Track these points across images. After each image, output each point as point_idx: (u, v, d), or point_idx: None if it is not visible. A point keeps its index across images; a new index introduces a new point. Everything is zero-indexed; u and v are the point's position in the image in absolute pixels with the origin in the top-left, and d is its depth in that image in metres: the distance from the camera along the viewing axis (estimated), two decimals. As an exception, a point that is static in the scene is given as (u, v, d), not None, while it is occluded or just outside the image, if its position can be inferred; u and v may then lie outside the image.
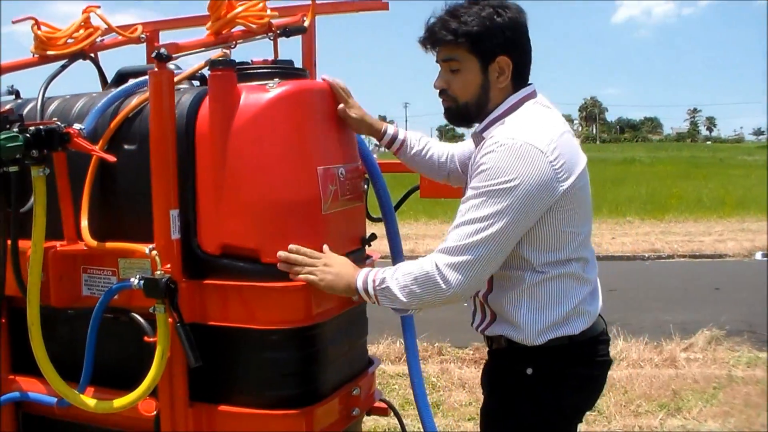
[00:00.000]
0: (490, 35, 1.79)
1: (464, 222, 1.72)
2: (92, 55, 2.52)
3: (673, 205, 17.13)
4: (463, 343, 5.96)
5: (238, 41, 2.15)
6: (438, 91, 1.93)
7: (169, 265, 1.87)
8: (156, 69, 1.85)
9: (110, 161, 1.88)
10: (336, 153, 2.08)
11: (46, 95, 2.20)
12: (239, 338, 1.93)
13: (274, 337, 1.92)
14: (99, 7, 2.51)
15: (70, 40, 2.40)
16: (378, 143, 2.32)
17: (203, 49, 2.07)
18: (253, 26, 2.18)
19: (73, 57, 2.38)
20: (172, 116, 1.88)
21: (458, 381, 5.23)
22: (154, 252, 1.82)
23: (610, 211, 16.13)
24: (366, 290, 1.84)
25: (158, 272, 1.82)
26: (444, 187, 2.51)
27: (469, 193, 1.75)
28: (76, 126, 1.86)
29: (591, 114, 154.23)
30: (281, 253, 1.85)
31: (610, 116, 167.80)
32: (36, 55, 2.37)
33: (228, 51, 2.29)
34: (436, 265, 1.73)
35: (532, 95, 1.89)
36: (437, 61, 1.90)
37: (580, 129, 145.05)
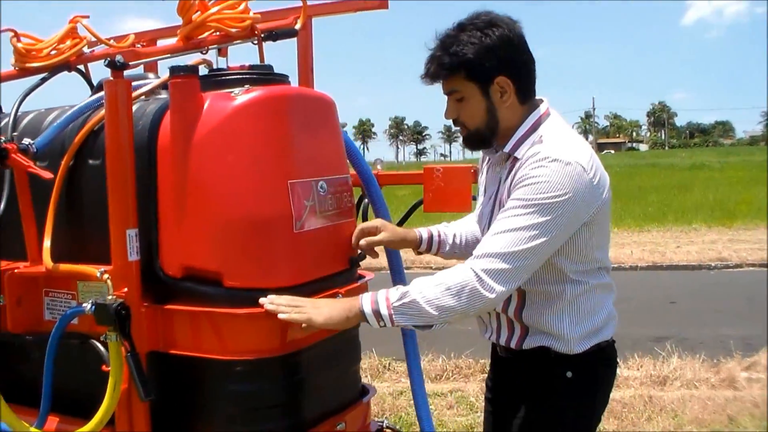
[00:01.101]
0: (482, 60, 1.81)
1: (511, 229, 1.72)
2: (81, 66, 2.41)
3: (742, 211, 16.27)
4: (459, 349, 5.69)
5: (212, 47, 1.99)
6: (452, 122, 1.96)
7: (126, 289, 1.73)
8: (111, 78, 1.71)
9: (44, 178, 1.76)
10: (315, 165, 1.90)
11: (23, 108, 2.11)
12: (203, 369, 1.77)
13: (238, 368, 1.75)
14: (87, 17, 2.42)
15: (53, 52, 2.30)
16: (416, 252, 2.26)
17: (168, 55, 1.92)
18: (232, 30, 2.01)
19: (55, 69, 2.27)
20: (129, 128, 1.75)
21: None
22: (106, 275, 1.68)
23: (676, 218, 15.48)
24: (377, 311, 1.74)
25: (110, 297, 1.68)
26: (448, 201, 2.33)
27: (515, 203, 1.75)
28: (26, 141, 1.74)
29: (659, 119, 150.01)
30: (262, 300, 1.72)
31: (680, 121, 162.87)
32: (17, 68, 2.28)
33: (207, 57, 2.16)
34: (476, 273, 1.70)
35: (548, 112, 1.92)
36: (444, 93, 1.93)
37: (648, 135, 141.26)
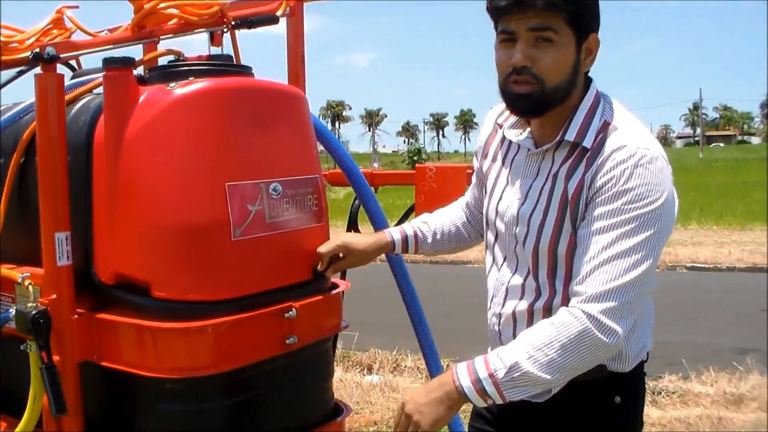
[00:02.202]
0: (590, 10, 1.52)
1: (612, 257, 1.43)
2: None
3: None
4: (464, 355, 5.32)
5: (166, 36, 1.85)
6: (509, 69, 1.53)
7: (54, 296, 1.62)
8: (40, 71, 1.60)
9: None
10: (267, 165, 1.73)
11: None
12: (134, 385, 1.65)
13: (169, 386, 1.61)
14: (77, 6, 2.34)
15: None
16: (394, 254, 2.02)
17: (111, 46, 1.79)
18: (194, 18, 1.86)
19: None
20: (61, 125, 1.63)
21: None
22: (27, 282, 1.57)
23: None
24: (482, 390, 1.41)
25: (30, 304, 1.57)
26: (441, 204, 2.09)
27: (607, 216, 1.45)
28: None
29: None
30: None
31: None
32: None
33: (181, 51, 2.02)
34: (590, 317, 1.41)
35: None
36: (512, 30, 1.50)
37: (762, 126, 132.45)
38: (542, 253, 1.57)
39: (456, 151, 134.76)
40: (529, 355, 1.39)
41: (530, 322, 1.59)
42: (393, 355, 5.70)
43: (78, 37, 2.13)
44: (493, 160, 1.76)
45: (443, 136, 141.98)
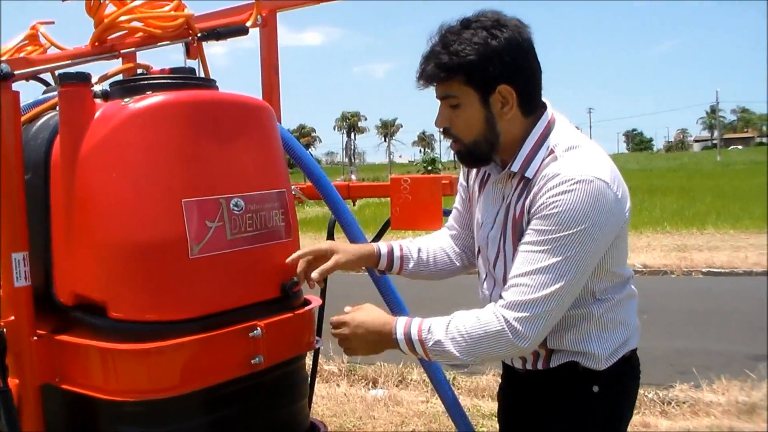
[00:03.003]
0: (486, 64, 1.60)
1: (533, 272, 1.58)
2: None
3: None
4: (473, 367, 5.26)
5: (127, 50, 1.82)
6: (442, 131, 1.73)
7: (12, 317, 1.58)
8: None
9: None
10: (228, 180, 1.69)
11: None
12: (93, 408, 1.61)
13: (128, 409, 1.57)
14: (52, 22, 2.33)
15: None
16: (377, 270, 1.98)
17: (68, 61, 1.76)
18: (158, 31, 1.83)
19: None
20: (17, 143, 1.61)
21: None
22: (-20, 303, 1.54)
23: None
24: (412, 347, 1.66)
25: (-14, 327, 1.54)
26: (416, 217, 2.04)
27: (534, 236, 1.59)
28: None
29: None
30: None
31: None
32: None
33: (148, 65, 1.99)
34: (507, 321, 1.58)
35: (553, 119, 1.70)
36: (437, 98, 1.70)
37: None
38: (498, 273, 1.74)
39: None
40: (452, 337, 1.60)
41: None
42: (399, 368, 5.63)
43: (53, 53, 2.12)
44: (476, 182, 1.87)
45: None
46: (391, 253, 1.93)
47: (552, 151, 1.63)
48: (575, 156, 1.62)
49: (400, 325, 1.66)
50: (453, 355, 1.61)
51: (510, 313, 1.58)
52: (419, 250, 1.96)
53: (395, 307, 2.17)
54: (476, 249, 1.85)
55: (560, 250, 1.55)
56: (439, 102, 1.69)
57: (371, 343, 1.69)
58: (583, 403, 1.75)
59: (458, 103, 1.64)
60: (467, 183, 1.92)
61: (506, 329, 1.57)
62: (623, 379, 1.79)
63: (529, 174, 1.64)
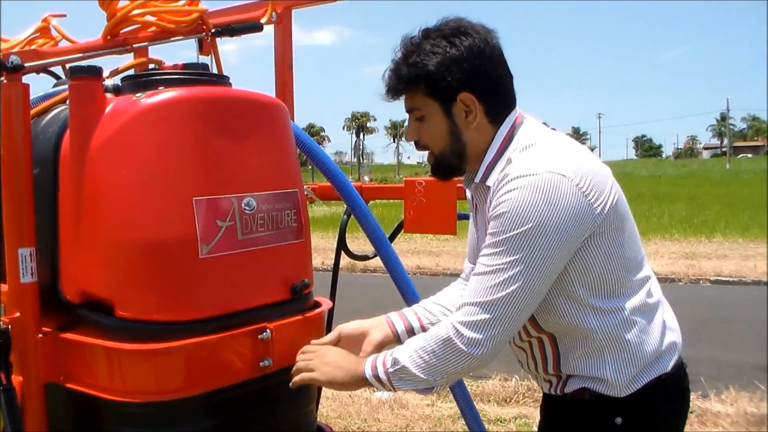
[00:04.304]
0: (445, 73, 1.55)
1: (482, 274, 1.50)
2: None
3: None
4: (479, 371, 5.17)
5: (140, 44, 1.79)
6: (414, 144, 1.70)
7: (17, 314, 1.56)
8: (5, 81, 1.54)
9: None
10: (240, 179, 1.66)
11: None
12: (99, 408, 1.58)
13: (134, 410, 1.54)
14: (64, 15, 2.30)
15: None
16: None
17: (79, 54, 1.73)
18: (171, 26, 1.80)
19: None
20: (26, 136, 1.58)
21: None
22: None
23: None
24: (377, 377, 1.55)
25: (-8, 323, 1.51)
26: (430, 220, 2.01)
27: (488, 240, 1.51)
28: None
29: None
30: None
31: None
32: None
33: (161, 60, 1.96)
34: (455, 329, 1.49)
35: (517, 123, 1.62)
36: (405, 111, 1.67)
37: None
38: None
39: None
40: (410, 356, 1.52)
41: (532, 350, 1.66)
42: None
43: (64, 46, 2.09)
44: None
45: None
46: (410, 332, 1.77)
47: (510, 160, 1.55)
48: (528, 154, 1.54)
49: (369, 361, 1.57)
50: (413, 375, 1.52)
51: (456, 316, 1.51)
52: (444, 312, 1.81)
53: (409, 296, 2.12)
54: None
55: (511, 251, 1.45)
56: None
57: (344, 373, 1.57)
58: None
59: (422, 115, 1.60)
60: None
61: (452, 336, 1.49)
62: (656, 407, 1.60)
63: (490, 182, 1.57)
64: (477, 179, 1.62)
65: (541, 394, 1.81)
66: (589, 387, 1.57)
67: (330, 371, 1.57)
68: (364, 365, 1.56)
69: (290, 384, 1.58)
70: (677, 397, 1.65)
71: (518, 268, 1.45)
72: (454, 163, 1.64)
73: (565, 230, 1.45)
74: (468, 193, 1.76)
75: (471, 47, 1.54)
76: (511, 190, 1.46)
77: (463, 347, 1.47)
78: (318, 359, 1.59)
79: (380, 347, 1.73)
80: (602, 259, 1.52)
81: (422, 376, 1.51)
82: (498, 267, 1.46)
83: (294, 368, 1.60)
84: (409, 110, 1.63)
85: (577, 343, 1.57)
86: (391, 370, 1.53)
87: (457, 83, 1.54)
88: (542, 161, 1.48)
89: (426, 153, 1.65)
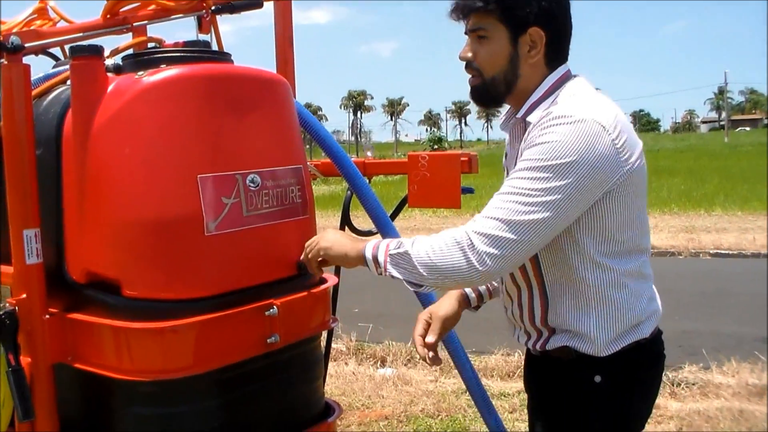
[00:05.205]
0: (524, 3, 1.60)
1: (515, 193, 1.50)
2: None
3: None
4: (482, 347, 5.24)
5: (139, 23, 1.77)
6: (464, 65, 1.70)
7: (24, 295, 1.56)
8: (5, 62, 1.53)
9: None
10: (244, 155, 1.65)
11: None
12: (108, 387, 1.58)
13: (144, 389, 1.55)
14: (58, -4, 2.27)
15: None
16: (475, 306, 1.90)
17: (79, 34, 1.72)
18: (171, 3, 1.78)
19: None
20: (28, 117, 1.57)
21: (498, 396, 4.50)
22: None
23: None
24: (375, 257, 1.58)
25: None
26: (434, 194, 2.00)
27: (522, 165, 1.52)
28: None
29: None
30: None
31: None
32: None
33: (161, 38, 1.95)
34: (469, 238, 1.49)
35: (569, 74, 1.68)
36: (466, 32, 1.69)
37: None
38: None
39: (479, 140, 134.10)
40: (416, 247, 1.53)
41: (520, 297, 1.69)
42: (407, 347, 5.62)
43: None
44: (505, 156, 1.83)
45: (465, 124, 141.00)
46: (479, 294, 1.87)
47: (557, 100, 1.61)
48: (574, 100, 1.59)
49: (370, 244, 1.61)
50: (410, 262, 1.53)
51: (476, 227, 1.50)
52: None
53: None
54: None
55: (550, 179, 1.47)
56: (467, 37, 1.68)
57: (345, 247, 1.64)
58: (581, 395, 1.65)
59: (487, 35, 1.64)
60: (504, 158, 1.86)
61: (464, 245, 1.49)
62: (634, 369, 1.65)
63: (532, 119, 1.60)
64: (519, 114, 1.66)
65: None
66: (571, 345, 1.62)
67: (330, 240, 1.65)
68: (366, 244, 1.61)
69: (305, 266, 1.69)
70: (653, 362, 1.70)
71: (555, 197, 1.47)
72: (501, 90, 1.66)
73: (599, 173, 1.49)
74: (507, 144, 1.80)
75: None
76: (555, 125, 1.50)
77: (472, 258, 1.48)
78: (321, 239, 1.67)
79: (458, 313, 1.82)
80: (615, 217, 1.57)
81: (419, 269, 1.52)
82: (533, 190, 1.47)
83: (302, 255, 1.70)
84: (471, 30, 1.66)
85: (567, 294, 1.61)
86: (392, 251, 1.55)
87: (532, 16, 1.59)
88: (587, 108, 1.53)
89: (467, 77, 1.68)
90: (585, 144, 1.48)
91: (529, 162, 1.51)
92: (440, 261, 1.50)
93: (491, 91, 1.68)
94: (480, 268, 1.47)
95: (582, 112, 1.52)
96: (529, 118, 1.62)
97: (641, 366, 1.67)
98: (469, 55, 1.67)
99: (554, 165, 1.47)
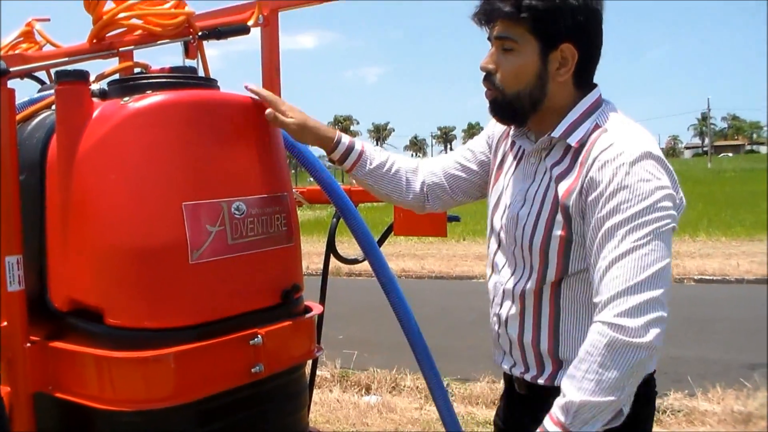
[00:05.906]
0: (559, 16, 1.48)
1: (619, 258, 1.38)
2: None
3: None
4: (466, 374, 5.24)
5: (126, 48, 1.77)
6: (483, 77, 1.59)
7: (5, 323, 1.53)
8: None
9: None
10: (229, 183, 1.64)
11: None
12: (90, 417, 1.55)
13: (126, 419, 1.52)
14: (48, 19, 2.27)
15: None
16: (329, 157, 1.81)
17: (64, 59, 1.71)
18: (157, 29, 1.78)
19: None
20: (12, 141, 1.55)
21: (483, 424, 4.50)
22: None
23: None
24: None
25: (-22, 333, 1.49)
26: (420, 222, 1.99)
27: (615, 220, 1.40)
28: None
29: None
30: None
31: None
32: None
33: (147, 64, 1.94)
34: (612, 326, 1.36)
35: (601, 98, 1.59)
36: (489, 38, 1.58)
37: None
38: (535, 254, 1.55)
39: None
40: (577, 387, 1.37)
41: (522, 322, 1.59)
42: (392, 374, 5.58)
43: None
44: (501, 162, 1.74)
45: (451, 149, 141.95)
46: (351, 147, 1.78)
47: (598, 126, 1.51)
48: (628, 132, 1.50)
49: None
50: (593, 404, 1.36)
51: (607, 313, 1.37)
52: (386, 162, 1.80)
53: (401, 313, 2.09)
54: (493, 237, 1.69)
55: (647, 225, 1.38)
56: (490, 44, 1.56)
57: None
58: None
59: (514, 48, 1.51)
60: (492, 148, 1.78)
61: (613, 334, 1.35)
62: (642, 405, 1.54)
63: (571, 141, 1.51)
64: (555, 134, 1.54)
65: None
66: None
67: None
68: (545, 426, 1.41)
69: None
70: (651, 398, 1.64)
71: (654, 240, 1.38)
72: (526, 108, 1.55)
73: (674, 199, 1.45)
74: (505, 154, 1.71)
75: (588, 4, 1.50)
76: (628, 164, 1.42)
77: (629, 339, 1.35)
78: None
79: (316, 135, 1.77)
80: None
81: (603, 399, 1.36)
82: (641, 242, 1.38)
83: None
84: (497, 37, 1.53)
85: (578, 325, 1.53)
86: (569, 421, 1.37)
87: (567, 32, 1.49)
88: (645, 140, 1.47)
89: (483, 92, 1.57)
90: (655, 179, 1.42)
91: (622, 215, 1.41)
92: (618, 372, 1.36)
93: (515, 107, 1.55)
94: (644, 340, 1.35)
95: (641, 146, 1.45)
96: (570, 141, 1.52)
97: (643, 403, 1.56)
98: (491, 66, 1.55)
99: (644, 208, 1.39)
